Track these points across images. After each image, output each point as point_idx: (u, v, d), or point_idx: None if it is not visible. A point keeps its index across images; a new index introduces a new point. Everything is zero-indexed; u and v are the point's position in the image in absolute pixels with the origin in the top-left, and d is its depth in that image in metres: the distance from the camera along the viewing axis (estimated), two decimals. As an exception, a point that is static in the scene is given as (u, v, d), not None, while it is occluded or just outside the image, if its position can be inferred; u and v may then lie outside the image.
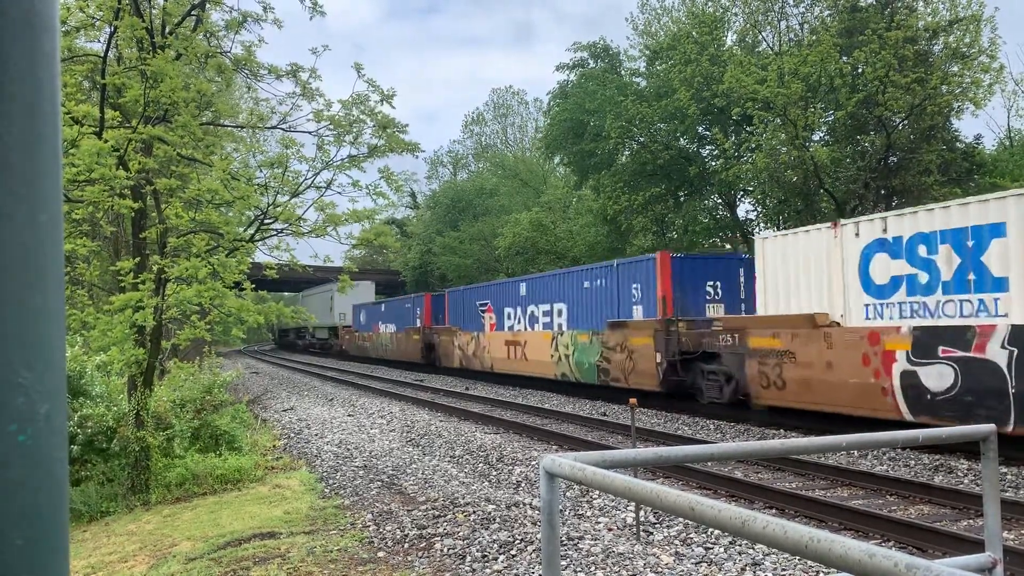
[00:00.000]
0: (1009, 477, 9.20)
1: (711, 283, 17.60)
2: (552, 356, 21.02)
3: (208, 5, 11.42)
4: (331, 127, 11.98)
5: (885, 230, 11.86)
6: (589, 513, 7.95)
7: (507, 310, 24.47)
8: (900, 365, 11.15)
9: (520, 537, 7.07)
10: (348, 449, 12.87)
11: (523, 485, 9.55)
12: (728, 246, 29.39)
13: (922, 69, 20.64)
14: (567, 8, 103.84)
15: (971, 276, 10.45)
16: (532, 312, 22.68)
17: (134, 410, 10.83)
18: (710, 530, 6.96)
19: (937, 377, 10.60)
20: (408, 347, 34.07)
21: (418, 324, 32.96)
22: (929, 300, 11.07)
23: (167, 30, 10.88)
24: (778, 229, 26.50)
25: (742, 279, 17.59)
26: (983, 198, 10.50)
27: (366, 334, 41.44)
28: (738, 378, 14.31)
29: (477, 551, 6.75)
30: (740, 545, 6.63)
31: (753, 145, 24.15)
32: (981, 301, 10.31)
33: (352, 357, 44.84)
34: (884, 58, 20.39)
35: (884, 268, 11.82)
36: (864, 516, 7.31)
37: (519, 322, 23.44)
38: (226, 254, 11.40)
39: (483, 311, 26.40)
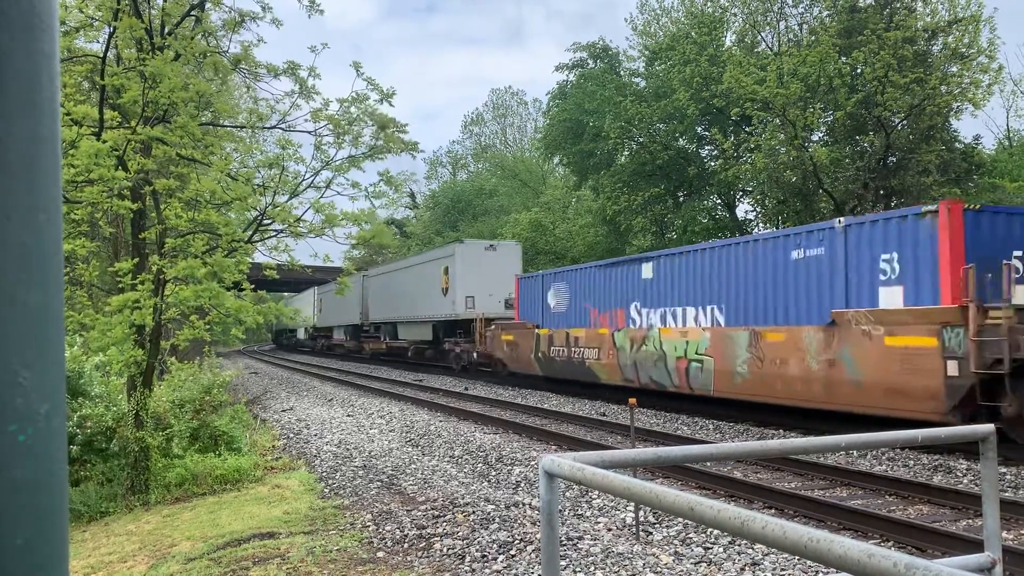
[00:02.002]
0: (1008, 477, 9.21)
1: None
2: None
3: (207, 5, 11.42)
4: (330, 127, 11.99)
5: None
6: (588, 513, 7.95)
7: None
8: None
9: (519, 537, 7.07)
10: (347, 449, 12.86)
11: (522, 485, 9.55)
12: None
13: (921, 69, 20.67)
14: (558, 5, 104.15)
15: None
16: None
17: (133, 410, 10.83)
18: (709, 530, 6.96)
19: None
20: (873, 377, 11.54)
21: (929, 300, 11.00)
22: None
23: (166, 30, 10.89)
24: (777, 229, 26.55)
25: None
26: None
27: (578, 335, 19.41)
28: None
29: (476, 551, 6.75)
30: (739, 545, 6.63)
31: (752, 145, 24.16)
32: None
33: (531, 379, 22.60)
34: (883, 58, 20.41)
35: None
36: (863, 516, 7.31)
37: None
38: (224, 254, 11.41)
39: None
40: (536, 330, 21.67)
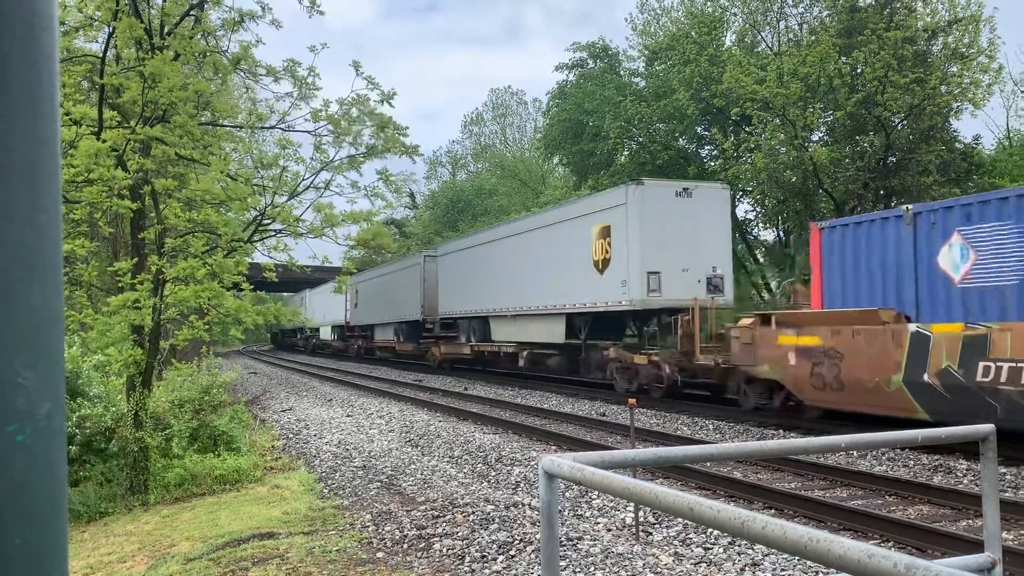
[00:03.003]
0: (1008, 477, 9.21)
1: None
2: None
3: (207, 4, 11.42)
4: (329, 127, 11.99)
5: None
6: (588, 513, 7.95)
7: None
8: None
9: (519, 537, 7.07)
10: (347, 449, 12.86)
11: (522, 485, 9.55)
12: None
13: (921, 69, 20.69)
14: (556, 3, 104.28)
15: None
16: None
17: (132, 411, 10.83)
18: (709, 530, 6.96)
19: None
20: None
21: None
22: None
23: (166, 30, 10.89)
24: (777, 229, 26.56)
25: None
26: None
27: None
28: None
29: (476, 551, 6.75)
30: (739, 545, 6.63)
31: (752, 145, 24.17)
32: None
33: (884, 424, 10.98)
34: (883, 58, 20.42)
35: None
36: (863, 516, 7.31)
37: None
38: (224, 254, 11.41)
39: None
40: (910, 326, 10.69)
